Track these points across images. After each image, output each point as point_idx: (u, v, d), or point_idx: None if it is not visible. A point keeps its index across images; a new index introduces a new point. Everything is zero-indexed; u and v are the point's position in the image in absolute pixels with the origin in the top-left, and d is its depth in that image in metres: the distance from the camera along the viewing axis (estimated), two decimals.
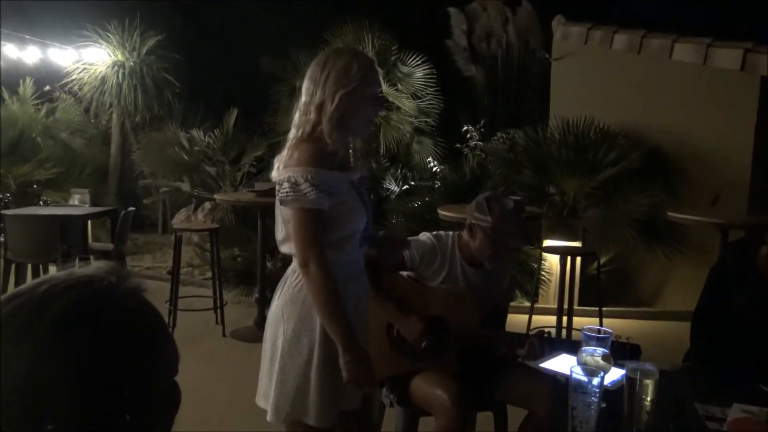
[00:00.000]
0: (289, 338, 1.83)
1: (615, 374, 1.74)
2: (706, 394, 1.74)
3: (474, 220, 2.34)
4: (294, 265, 1.87)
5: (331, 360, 1.79)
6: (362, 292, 1.96)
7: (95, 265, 0.73)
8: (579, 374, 1.42)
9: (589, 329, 1.77)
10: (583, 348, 1.70)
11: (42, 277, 0.71)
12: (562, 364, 2.06)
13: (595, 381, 1.42)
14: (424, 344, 2.23)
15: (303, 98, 1.86)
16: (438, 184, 6.50)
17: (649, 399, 1.44)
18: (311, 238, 1.76)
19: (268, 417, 1.88)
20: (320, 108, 1.81)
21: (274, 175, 1.86)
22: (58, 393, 0.63)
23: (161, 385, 0.71)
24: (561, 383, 2.12)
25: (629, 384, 1.47)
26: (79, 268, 0.72)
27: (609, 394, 1.54)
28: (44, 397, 0.62)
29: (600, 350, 1.69)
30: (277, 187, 1.84)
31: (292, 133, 1.87)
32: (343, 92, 1.79)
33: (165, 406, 0.72)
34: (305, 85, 1.86)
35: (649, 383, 1.44)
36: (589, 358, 1.65)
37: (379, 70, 2.01)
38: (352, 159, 2.03)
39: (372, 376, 1.80)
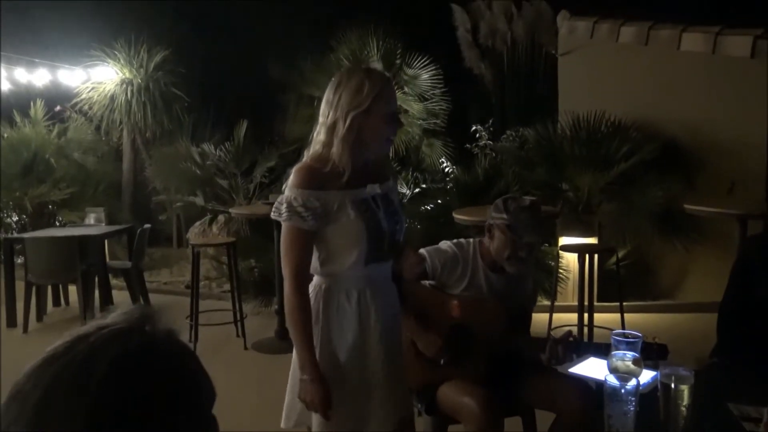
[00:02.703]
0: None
1: (646, 376, 1.73)
2: (738, 393, 1.73)
3: (491, 220, 2.36)
4: None
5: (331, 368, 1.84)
6: (376, 305, 1.90)
7: (124, 313, 0.74)
8: (613, 381, 1.42)
9: (618, 333, 1.76)
10: (613, 353, 1.69)
11: (70, 333, 0.71)
12: (590, 368, 2.05)
13: (629, 386, 1.42)
14: (442, 361, 2.24)
15: (319, 119, 1.86)
16: (450, 185, 6.49)
17: (684, 404, 1.43)
18: (288, 256, 1.82)
19: (281, 423, 1.95)
20: (332, 128, 1.80)
21: None
22: None
23: (203, 420, 0.75)
24: (588, 385, 2.11)
25: (664, 390, 1.46)
26: (108, 318, 0.73)
27: (641, 397, 1.53)
28: None
29: (630, 354, 1.68)
30: None
31: (304, 154, 1.90)
32: (355, 113, 1.77)
33: None
34: (321, 108, 1.86)
35: (684, 389, 1.43)
36: (619, 363, 1.64)
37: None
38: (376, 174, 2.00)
39: (324, 401, 1.78)
